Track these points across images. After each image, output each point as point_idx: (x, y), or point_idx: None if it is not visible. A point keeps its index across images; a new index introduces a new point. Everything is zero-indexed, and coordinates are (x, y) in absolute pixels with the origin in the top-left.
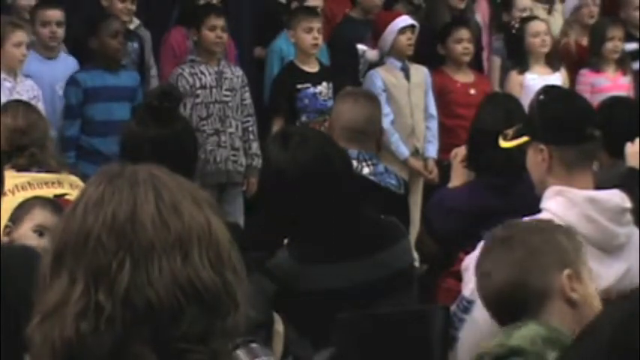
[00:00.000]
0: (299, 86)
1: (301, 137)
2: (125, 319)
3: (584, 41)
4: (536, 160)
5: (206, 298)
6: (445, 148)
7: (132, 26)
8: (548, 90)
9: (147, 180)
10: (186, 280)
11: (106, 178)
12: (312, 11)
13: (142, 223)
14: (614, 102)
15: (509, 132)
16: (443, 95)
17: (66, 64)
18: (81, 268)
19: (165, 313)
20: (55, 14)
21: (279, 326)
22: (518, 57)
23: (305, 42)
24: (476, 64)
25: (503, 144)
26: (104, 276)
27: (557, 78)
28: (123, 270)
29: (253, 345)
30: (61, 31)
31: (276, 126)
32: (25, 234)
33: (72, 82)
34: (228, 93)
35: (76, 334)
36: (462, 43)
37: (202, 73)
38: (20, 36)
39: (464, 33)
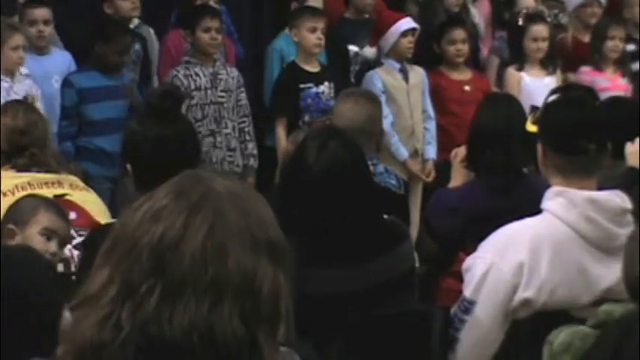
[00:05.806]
0: (302, 86)
1: (304, 140)
2: (138, 345)
3: (586, 38)
4: (540, 156)
5: (223, 348)
6: (439, 147)
7: (132, 25)
8: (564, 91)
9: (210, 208)
10: (208, 327)
11: (176, 190)
12: (316, 11)
13: (182, 254)
14: (613, 102)
15: (537, 115)
16: (436, 93)
17: (59, 58)
18: (119, 273)
19: (176, 350)
20: (42, 13)
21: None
22: (517, 54)
23: (309, 42)
24: (473, 64)
25: (531, 127)
26: (133, 293)
27: (552, 81)
28: (151, 297)
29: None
30: (48, 30)
31: (280, 126)
32: (32, 237)
33: (66, 83)
34: (223, 94)
35: (96, 338)
36: (455, 45)
37: (197, 74)
38: (18, 39)
39: (458, 34)
